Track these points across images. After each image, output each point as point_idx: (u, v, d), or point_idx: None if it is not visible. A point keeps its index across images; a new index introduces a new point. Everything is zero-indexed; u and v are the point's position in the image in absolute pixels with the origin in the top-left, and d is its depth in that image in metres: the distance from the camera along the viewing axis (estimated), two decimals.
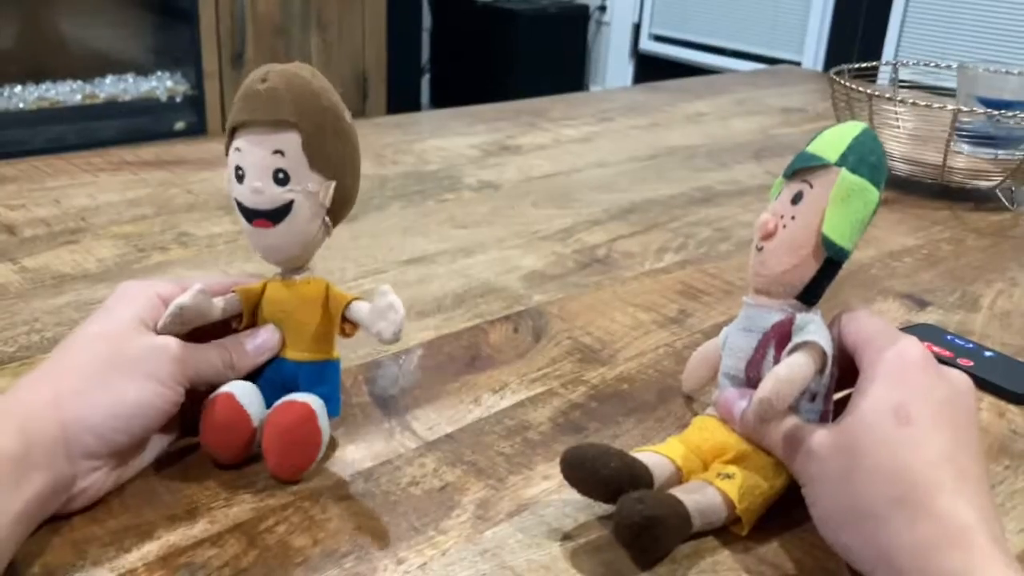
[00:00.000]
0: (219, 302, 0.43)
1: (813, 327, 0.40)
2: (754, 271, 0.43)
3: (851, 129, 0.42)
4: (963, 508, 0.34)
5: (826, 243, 0.40)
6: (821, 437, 0.38)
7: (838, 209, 0.40)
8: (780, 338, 0.41)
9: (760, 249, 0.43)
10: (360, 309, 0.43)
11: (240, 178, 0.41)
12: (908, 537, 0.34)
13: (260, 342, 0.44)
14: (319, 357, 0.45)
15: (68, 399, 0.38)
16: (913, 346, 0.39)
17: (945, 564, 0.33)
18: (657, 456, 0.42)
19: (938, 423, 0.36)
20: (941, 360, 0.57)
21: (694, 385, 0.51)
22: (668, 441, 0.44)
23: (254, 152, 0.41)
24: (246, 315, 0.45)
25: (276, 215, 0.41)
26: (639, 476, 0.40)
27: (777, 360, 0.41)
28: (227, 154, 0.42)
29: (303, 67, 0.42)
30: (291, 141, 0.40)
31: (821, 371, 0.40)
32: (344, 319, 0.44)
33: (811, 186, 0.41)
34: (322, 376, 0.45)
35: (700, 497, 0.40)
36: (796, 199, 0.42)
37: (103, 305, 0.43)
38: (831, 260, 0.41)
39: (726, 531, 0.41)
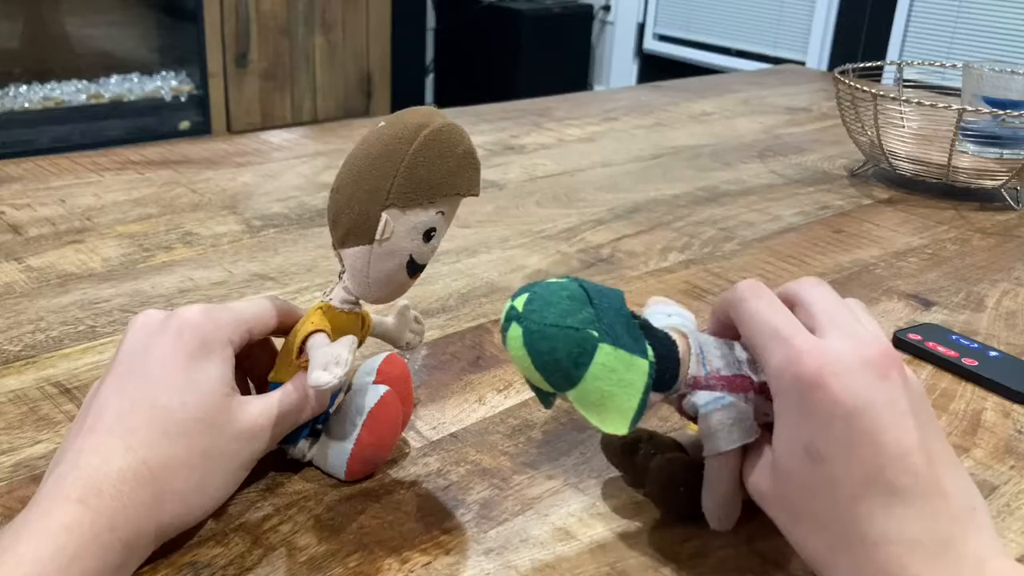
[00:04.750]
0: (354, 341, 0.43)
1: (703, 423, 0.38)
2: None
3: (520, 355, 0.36)
4: (898, 530, 0.33)
5: (631, 427, 0.36)
6: (764, 483, 0.37)
7: (604, 415, 0.36)
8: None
9: None
10: (384, 321, 0.48)
11: (428, 239, 0.41)
12: None
13: (343, 384, 0.43)
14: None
15: (167, 500, 0.37)
16: (806, 357, 0.35)
17: None
18: (690, 435, 0.45)
19: (850, 449, 0.33)
20: (945, 360, 0.57)
21: None
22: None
23: (449, 217, 0.42)
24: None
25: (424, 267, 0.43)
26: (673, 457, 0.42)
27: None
28: (398, 207, 0.40)
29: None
30: None
31: (738, 419, 0.38)
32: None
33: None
34: None
35: None
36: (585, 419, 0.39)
37: (183, 348, 0.39)
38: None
39: (731, 531, 0.41)
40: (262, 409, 0.40)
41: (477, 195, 0.42)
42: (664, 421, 0.50)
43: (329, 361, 0.39)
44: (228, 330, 0.41)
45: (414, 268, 0.42)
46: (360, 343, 0.46)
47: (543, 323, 0.35)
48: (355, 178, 0.41)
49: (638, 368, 0.36)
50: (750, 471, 0.38)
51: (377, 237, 0.40)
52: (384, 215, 0.40)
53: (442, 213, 0.41)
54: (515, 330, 0.36)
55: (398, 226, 0.40)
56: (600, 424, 0.36)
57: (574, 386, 0.35)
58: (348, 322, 0.43)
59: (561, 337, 0.35)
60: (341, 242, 0.42)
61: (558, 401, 0.35)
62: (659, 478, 0.42)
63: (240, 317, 0.42)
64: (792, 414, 0.35)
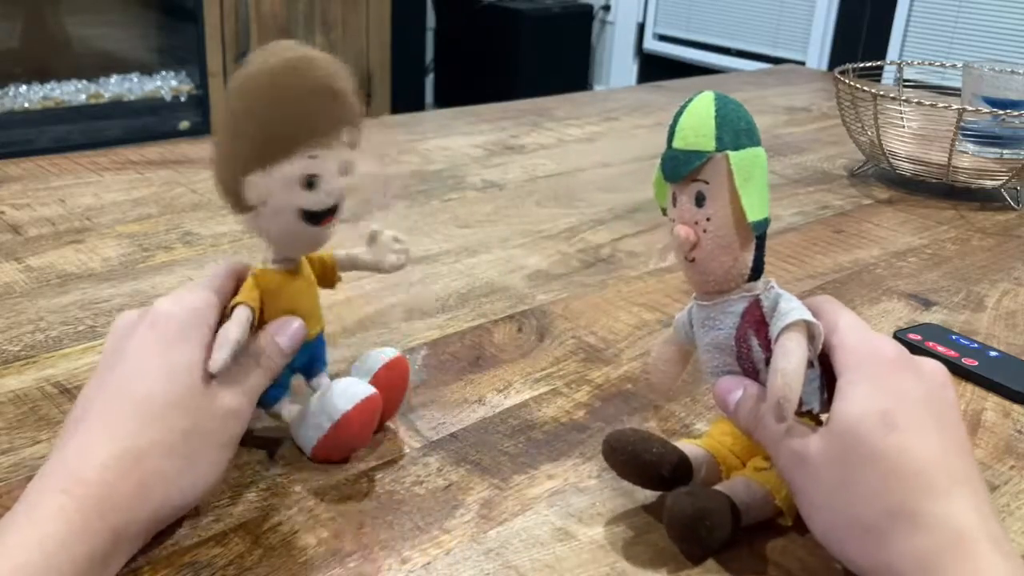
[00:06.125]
0: (246, 315, 0.41)
1: (784, 304, 0.40)
2: (695, 280, 0.41)
3: (704, 106, 0.40)
4: (958, 511, 0.34)
5: (754, 226, 0.39)
6: (813, 445, 0.37)
7: (747, 191, 0.39)
8: (756, 324, 0.40)
9: (692, 260, 0.41)
10: (359, 254, 0.45)
11: (312, 185, 0.39)
12: (909, 549, 0.34)
13: (295, 340, 0.43)
14: (322, 324, 0.45)
15: (154, 484, 0.37)
16: (886, 344, 0.39)
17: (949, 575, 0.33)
18: (697, 448, 0.43)
19: (923, 425, 0.36)
20: (945, 360, 0.57)
21: (671, 384, 0.47)
22: (703, 436, 0.45)
23: (330, 156, 0.39)
24: (257, 314, 0.43)
25: (337, 207, 0.40)
26: (680, 464, 0.41)
27: (763, 346, 0.40)
28: (258, 169, 0.38)
29: (316, 53, 0.39)
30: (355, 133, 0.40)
31: (811, 339, 0.39)
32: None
33: (707, 183, 0.39)
34: (324, 343, 0.46)
35: (744, 491, 0.41)
36: (699, 201, 0.40)
37: (158, 336, 0.39)
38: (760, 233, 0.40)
39: (731, 533, 0.41)
40: (237, 385, 0.41)
41: (357, 126, 0.39)
42: (664, 421, 0.50)
43: (219, 343, 0.39)
44: (201, 312, 0.41)
45: (316, 217, 0.39)
46: (333, 284, 0.46)
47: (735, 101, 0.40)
48: (218, 148, 0.39)
49: (767, 200, 0.40)
50: (787, 437, 0.38)
51: (249, 204, 0.39)
52: (246, 181, 0.38)
53: (314, 157, 0.38)
54: (708, 94, 0.40)
55: (269, 185, 0.38)
56: (743, 192, 0.38)
57: (739, 148, 0.39)
58: (294, 281, 0.42)
59: (747, 113, 0.40)
60: (235, 211, 0.40)
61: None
62: (681, 513, 0.39)
63: (209, 297, 0.42)
64: (868, 384, 0.37)
